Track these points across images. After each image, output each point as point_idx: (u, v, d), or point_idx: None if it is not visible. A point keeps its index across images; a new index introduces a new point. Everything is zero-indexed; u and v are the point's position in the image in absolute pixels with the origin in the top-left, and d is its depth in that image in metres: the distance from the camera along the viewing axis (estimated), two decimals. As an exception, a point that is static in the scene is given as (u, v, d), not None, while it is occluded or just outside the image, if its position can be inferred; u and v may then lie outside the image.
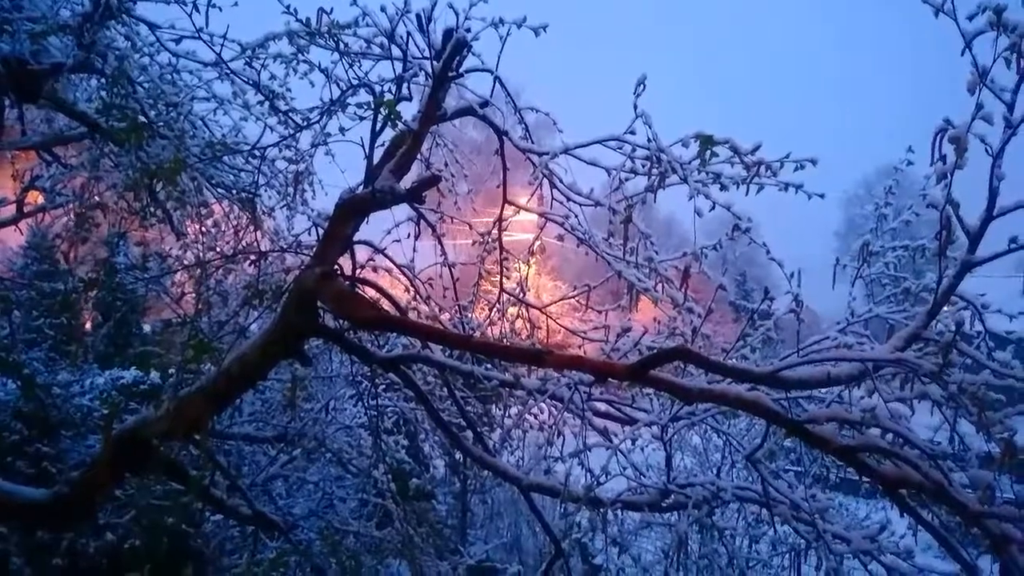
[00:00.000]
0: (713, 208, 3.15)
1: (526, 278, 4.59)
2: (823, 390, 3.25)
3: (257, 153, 4.24)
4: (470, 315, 4.71)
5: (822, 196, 3.36)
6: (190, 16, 3.82)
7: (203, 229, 4.73)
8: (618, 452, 3.42)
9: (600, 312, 4.31)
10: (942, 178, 2.34)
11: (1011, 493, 2.52)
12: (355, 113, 3.74)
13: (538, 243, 4.43)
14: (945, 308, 2.71)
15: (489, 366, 4.02)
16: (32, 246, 11.83)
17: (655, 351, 2.72)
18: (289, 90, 4.27)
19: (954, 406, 2.41)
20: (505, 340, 4.26)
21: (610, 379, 2.95)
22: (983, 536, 2.21)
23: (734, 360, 3.29)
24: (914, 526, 4.13)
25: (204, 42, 3.89)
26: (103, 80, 4.07)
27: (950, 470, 2.42)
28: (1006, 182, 2.36)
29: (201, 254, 4.16)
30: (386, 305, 3.68)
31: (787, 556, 6.66)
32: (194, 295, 3.98)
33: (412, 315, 4.22)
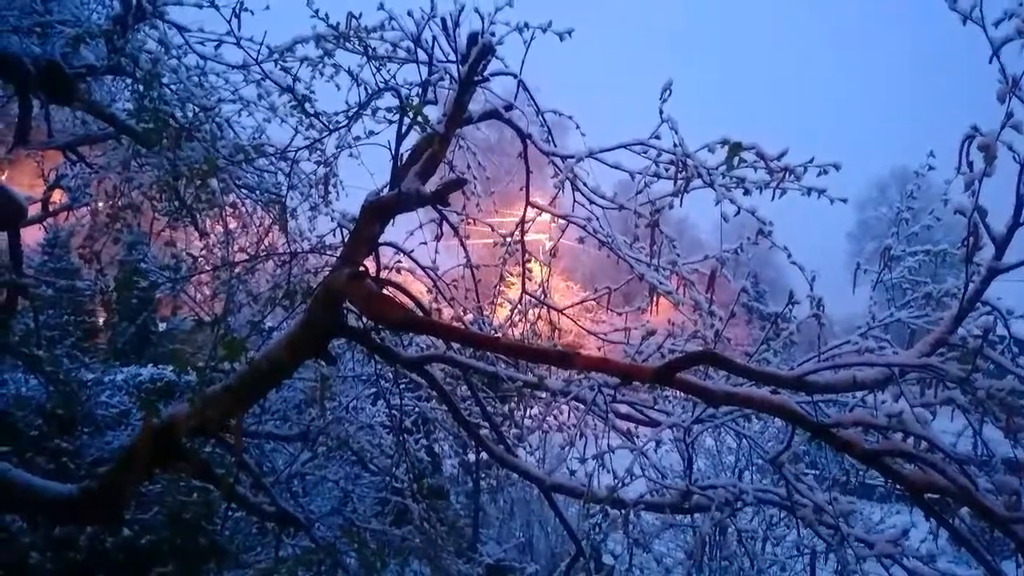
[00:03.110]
0: (738, 213, 3.17)
1: (547, 279, 4.62)
2: (844, 394, 3.28)
3: (287, 155, 4.29)
4: (490, 316, 4.76)
5: (845, 201, 3.39)
6: (228, 20, 3.87)
7: (228, 230, 4.80)
8: (642, 454, 3.45)
9: (620, 314, 4.34)
10: (970, 185, 2.35)
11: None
12: (383, 116, 3.78)
13: (554, 245, 4.47)
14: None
15: (508, 366, 4.07)
16: (52, 244, 11.98)
17: (682, 354, 2.74)
18: (314, 92, 4.32)
19: (980, 412, 2.43)
20: (526, 341, 4.30)
21: (635, 381, 2.98)
22: (1011, 541, 2.23)
23: (755, 364, 3.31)
24: (935, 531, 4.14)
25: (236, 45, 3.94)
26: (134, 82, 4.13)
27: (976, 475, 2.43)
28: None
29: (227, 255, 4.22)
30: (411, 306, 3.72)
31: (804, 559, 6.67)
32: (223, 295, 4.04)
33: (435, 316, 4.26)
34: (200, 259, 4.73)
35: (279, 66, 4.05)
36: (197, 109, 4.25)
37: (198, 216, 4.63)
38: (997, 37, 2.31)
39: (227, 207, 4.66)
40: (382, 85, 3.85)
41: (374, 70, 3.86)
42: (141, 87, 3.99)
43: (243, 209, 4.98)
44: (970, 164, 2.40)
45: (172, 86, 4.34)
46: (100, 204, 5.31)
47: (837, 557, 3.53)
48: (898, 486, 2.47)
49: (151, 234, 5.00)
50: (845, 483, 4.88)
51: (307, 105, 4.05)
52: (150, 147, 4.04)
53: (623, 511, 3.55)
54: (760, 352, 3.44)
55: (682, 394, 4.16)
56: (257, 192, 5.05)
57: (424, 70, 3.90)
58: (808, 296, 3.30)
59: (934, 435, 2.45)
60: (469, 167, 4.70)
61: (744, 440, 4.97)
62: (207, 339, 4.37)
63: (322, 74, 4.11)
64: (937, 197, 4.43)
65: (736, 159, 2.92)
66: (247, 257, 4.35)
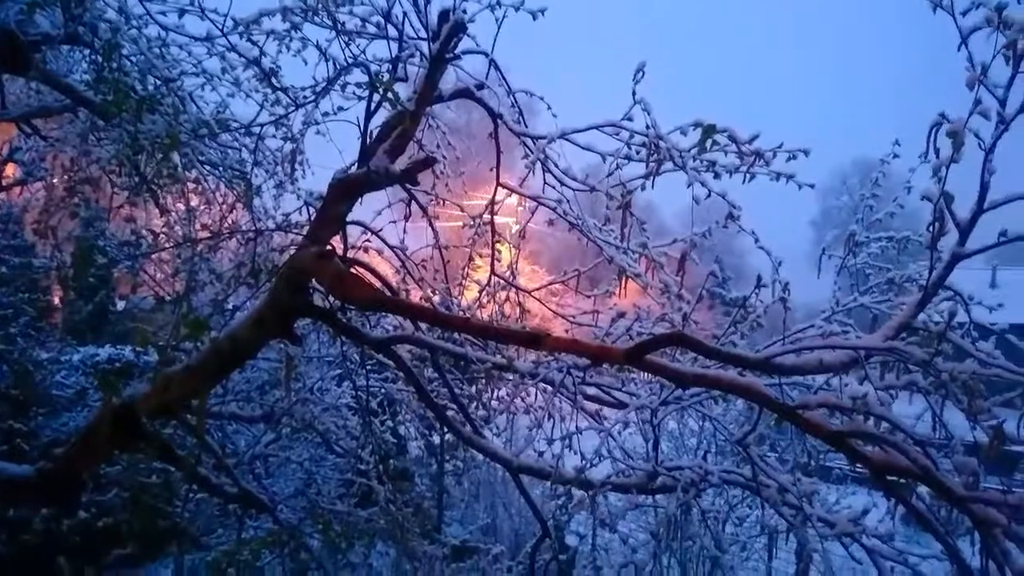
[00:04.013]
0: (709, 196, 3.18)
1: (515, 261, 4.60)
2: (808, 378, 3.33)
3: (252, 131, 4.19)
4: (459, 298, 4.73)
5: (812, 186, 3.42)
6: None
7: (190, 207, 4.69)
8: (609, 435, 3.47)
9: (589, 297, 4.36)
10: (937, 171, 2.38)
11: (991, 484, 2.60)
12: (353, 92, 3.71)
13: (522, 227, 4.46)
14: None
15: (477, 348, 4.06)
16: (5, 220, 11.60)
17: (652, 336, 2.75)
18: (280, 67, 4.22)
19: (942, 394, 2.48)
20: (496, 323, 4.28)
21: (606, 363, 2.99)
22: (969, 520, 2.28)
23: (723, 347, 3.34)
24: (892, 511, 4.24)
25: (200, 16, 3.82)
26: (93, 53, 3.98)
27: (936, 457, 2.48)
28: (993, 176, 2.42)
29: (189, 232, 4.12)
30: (379, 286, 3.67)
31: (765, 538, 6.83)
32: (184, 273, 3.95)
33: (403, 297, 4.22)
34: (161, 236, 4.61)
35: (244, 39, 3.94)
36: (158, 81, 4.12)
37: (159, 192, 4.51)
38: (966, 26, 2.34)
39: (189, 183, 4.54)
40: (351, 60, 3.77)
41: (343, 45, 3.78)
42: (100, 57, 3.85)
43: (206, 186, 4.86)
44: (937, 151, 2.43)
45: (132, 57, 4.20)
46: (56, 178, 5.15)
47: (797, 537, 3.60)
48: (861, 467, 2.51)
49: (110, 210, 4.86)
50: (806, 465, 4.98)
51: (273, 79, 3.95)
52: (109, 120, 3.91)
53: (589, 492, 3.57)
54: (727, 335, 3.47)
55: (648, 377, 4.20)
56: (221, 168, 4.93)
57: (394, 46, 3.83)
58: (775, 280, 3.33)
59: (896, 417, 2.50)
60: (439, 146, 4.65)
61: (707, 423, 5.04)
62: (168, 318, 4.28)
63: (289, 48, 4.01)
64: (898, 186, 4.52)
65: (709, 141, 2.93)
66: (210, 235, 4.25)
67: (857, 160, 40.08)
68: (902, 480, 2.54)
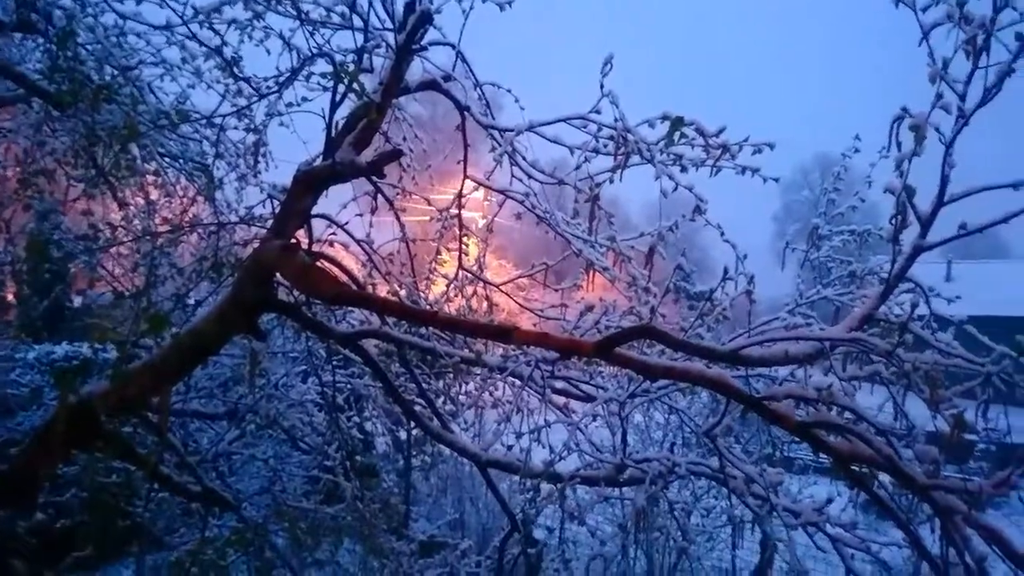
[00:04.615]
0: (676, 189, 3.19)
1: (483, 255, 4.58)
2: (773, 369, 3.37)
3: (213, 122, 4.10)
4: (426, 292, 4.69)
5: (776, 180, 3.46)
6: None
7: (149, 200, 4.58)
8: (578, 429, 3.47)
9: (557, 291, 4.36)
10: (900, 165, 2.42)
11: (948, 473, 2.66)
12: (317, 83, 3.65)
13: (490, 221, 4.43)
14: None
15: (444, 342, 4.03)
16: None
17: (621, 329, 2.75)
18: (242, 57, 4.14)
19: (904, 384, 2.52)
20: (464, 317, 4.26)
21: (574, 356, 2.98)
22: (930, 507, 2.32)
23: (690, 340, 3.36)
24: (855, 500, 4.32)
25: (159, 3, 3.73)
26: (47, 41, 3.86)
27: (898, 446, 2.53)
28: (953, 170, 2.46)
29: (149, 225, 4.02)
30: (345, 280, 3.62)
31: (730, 528, 6.91)
32: (144, 267, 3.85)
33: (369, 291, 4.17)
34: (119, 230, 4.49)
35: (205, 27, 3.85)
36: (116, 71, 4.01)
37: (117, 184, 4.40)
38: (927, 21, 2.37)
39: (149, 176, 4.43)
40: (315, 51, 3.71)
41: (307, 35, 3.71)
42: (54, 46, 3.73)
43: (166, 178, 4.75)
44: (899, 144, 2.46)
45: (88, 46, 4.08)
46: (9, 171, 4.99)
47: (762, 527, 3.65)
48: (826, 457, 2.54)
49: (65, 203, 4.73)
50: (770, 456, 5.05)
51: (235, 69, 3.87)
52: (64, 110, 3.80)
53: (558, 485, 3.58)
54: (694, 328, 3.49)
55: (615, 370, 4.22)
56: (181, 161, 4.83)
57: (359, 37, 3.77)
58: (740, 273, 3.36)
59: (860, 407, 2.54)
60: (405, 139, 4.60)
61: (674, 415, 5.08)
62: (127, 314, 4.17)
63: (251, 38, 3.93)
64: (859, 181, 4.60)
65: (677, 134, 2.93)
66: (170, 228, 4.15)
67: (818, 155, 40.80)
68: (866, 469, 2.58)
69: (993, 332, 2.71)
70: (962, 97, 2.33)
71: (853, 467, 2.57)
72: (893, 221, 2.57)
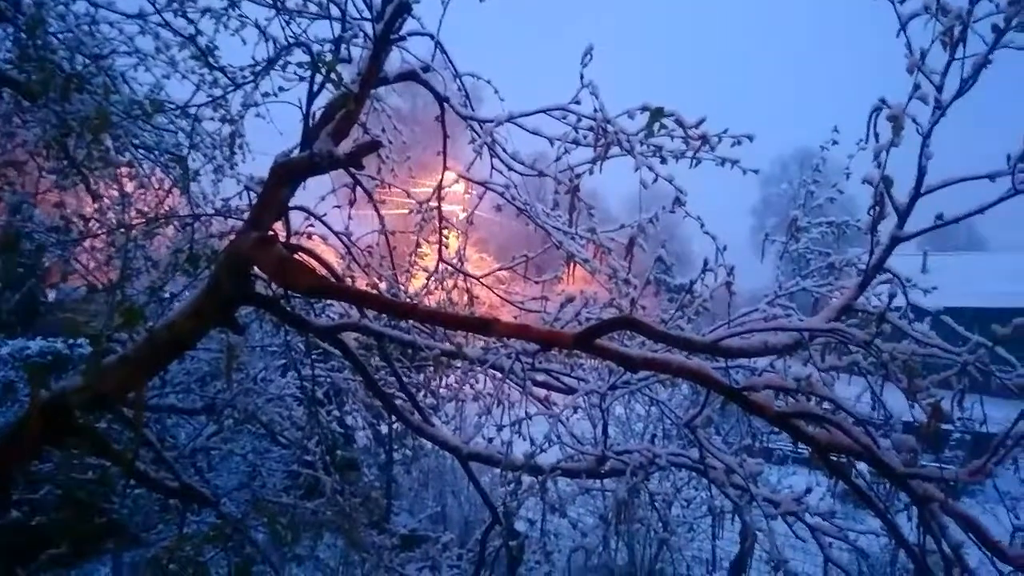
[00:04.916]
0: (656, 180, 3.19)
1: (463, 248, 4.56)
2: (752, 360, 3.39)
3: (188, 111, 4.03)
4: (405, 285, 4.66)
5: (756, 171, 3.46)
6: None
7: (123, 191, 4.50)
8: (559, 421, 3.46)
9: (537, 283, 4.34)
10: (878, 155, 2.43)
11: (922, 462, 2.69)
12: (294, 73, 3.60)
13: (470, 213, 4.41)
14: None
15: (424, 335, 4.01)
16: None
17: (601, 320, 2.75)
18: (218, 47, 4.08)
19: (883, 374, 2.54)
20: (444, 309, 4.24)
21: (555, 348, 2.98)
22: (907, 496, 2.35)
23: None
24: (833, 489, 4.35)
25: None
26: (16, 29, 3.78)
27: (876, 435, 2.54)
28: (930, 161, 2.47)
29: (123, 217, 3.95)
30: (323, 273, 3.58)
31: (710, 519, 6.94)
32: (118, 260, 3.79)
33: (349, 283, 4.13)
34: (92, 222, 4.41)
35: (179, 16, 3.79)
36: (87, 60, 3.94)
37: (90, 176, 4.32)
38: (905, 13, 2.38)
39: (122, 167, 4.35)
40: (292, 40, 3.66)
41: (283, 24, 3.66)
42: (24, 34, 3.65)
43: (141, 170, 4.67)
44: (876, 135, 2.47)
45: (59, 35, 4.00)
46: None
47: (742, 517, 3.67)
48: (806, 446, 2.55)
49: (36, 195, 4.64)
50: (749, 446, 5.08)
51: (210, 58, 3.81)
52: (35, 100, 3.71)
53: (539, 477, 3.57)
54: (674, 319, 3.50)
55: (596, 362, 4.22)
56: (156, 152, 4.75)
57: (337, 27, 3.73)
58: (720, 265, 3.36)
59: (839, 397, 2.55)
60: (384, 131, 4.56)
61: (654, 407, 5.10)
62: (101, 308, 4.10)
63: (227, 27, 3.87)
64: (836, 174, 4.63)
65: (657, 125, 2.93)
66: (145, 220, 4.08)
67: (797, 149, 41.03)
68: (844, 459, 2.60)
69: (968, 324, 2.74)
70: (939, 88, 2.34)
71: (832, 456, 2.59)
72: (871, 212, 2.59)
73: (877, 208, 2.55)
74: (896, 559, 6.77)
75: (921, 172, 2.48)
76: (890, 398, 2.94)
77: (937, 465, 2.46)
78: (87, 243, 4.77)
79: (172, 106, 4.22)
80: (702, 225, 3.51)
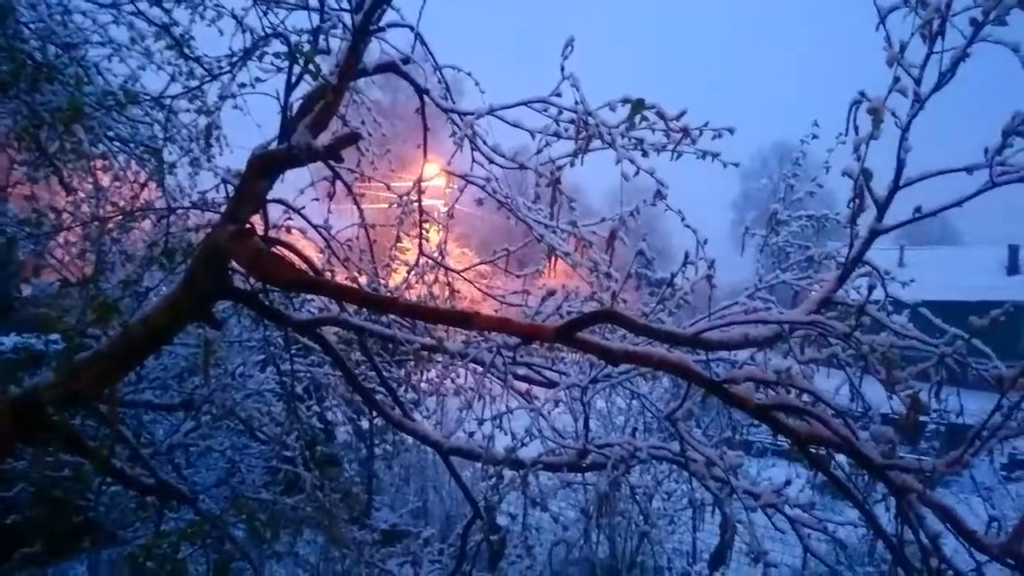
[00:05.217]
0: (637, 173, 3.18)
1: (444, 242, 4.53)
2: (732, 353, 3.39)
3: (163, 102, 3.97)
4: (386, 279, 4.63)
5: (737, 165, 3.47)
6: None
7: (98, 184, 4.43)
8: (540, 415, 3.46)
9: (519, 277, 4.33)
10: (858, 148, 2.43)
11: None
12: (271, 63, 3.55)
13: (451, 207, 4.38)
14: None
15: (405, 329, 3.98)
16: None
17: (582, 313, 2.74)
18: (193, 37, 4.02)
19: (862, 366, 2.55)
20: (424, 303, 4.21)
21: (536, 341, 2.96)
22: (886, 487, 2.36)
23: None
24: (812, 481, 4.38)
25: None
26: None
27: (855, 427, 2.56)
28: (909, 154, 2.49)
29: (98, 210, 3.88)
30: (302, 267, 3.54)
31: (691, 511, 6.98)
32: (92, 254, 3.72)
33: (328, 277, 4.09)
34: (65, 215, 4.33)
35: (153, 5, 3.72)
36: (59, 50, 3.86)
37: (63, 168, 4.24)
38: (884, 5, 2.39)
39: (96, 159, 4.28)
40: (269, 31, 3.61)
41: (260, 14, 3.62)
42: (-6, 21, 3.57)
43: (115, 162, 4.59)
44: (856, 128, 2.48)
45: (30, 24, 3.92)
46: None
47: (722, 509, 3.69)
48: (785, 438, 2.56)
49: (8, 187, 4.55)
50: (730, 439, 5.10)
51: (185, 48, 3.75)
52: (5, 90, 3.64)
53: (521, 472, 3.56)
54: (655, 313, 3.50)
55: (577, 355, 4.21)
56: (131, 145, 4.67)
57: (315, 17, 3.68)
58: (701, 258, 3.37)
59: (818, 389, 2.57)
60: (364, 123, 4.52)
61: (636, 400, 5.11)
62: (75, 303, 4.04)
63: (203, 17, 3.82)
64: (816, 168, 4.66)
65: (638, 117, 2.92)
66: (120, 213, 4.01)
67: (777, 144, 41.35)
68: (823, 450, 2.62)
69: (944, 317, 2.76)
70: (918, 81, 2.35)
71: (811, 448, 2.60)
72: (851, 204, 2.59)
73: (857, 201, 2.56)
74: (874, 549, 6.83)
75: (900, 165, 2.48)
76: (869, 390, 2.96)
77: (915, 456, 2.47)
78: (61, 237, 4.69)
79: (147, 97, 4.15)
80: (683, 218, 3.51)
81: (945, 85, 2.28)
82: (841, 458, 2.67)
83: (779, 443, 8.64)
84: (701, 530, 8.40)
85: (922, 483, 2.32)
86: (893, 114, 2.39)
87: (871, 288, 2.45)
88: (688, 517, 8.12)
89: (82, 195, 4.59)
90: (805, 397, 2.60)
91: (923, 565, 2.34)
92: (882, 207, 2.57)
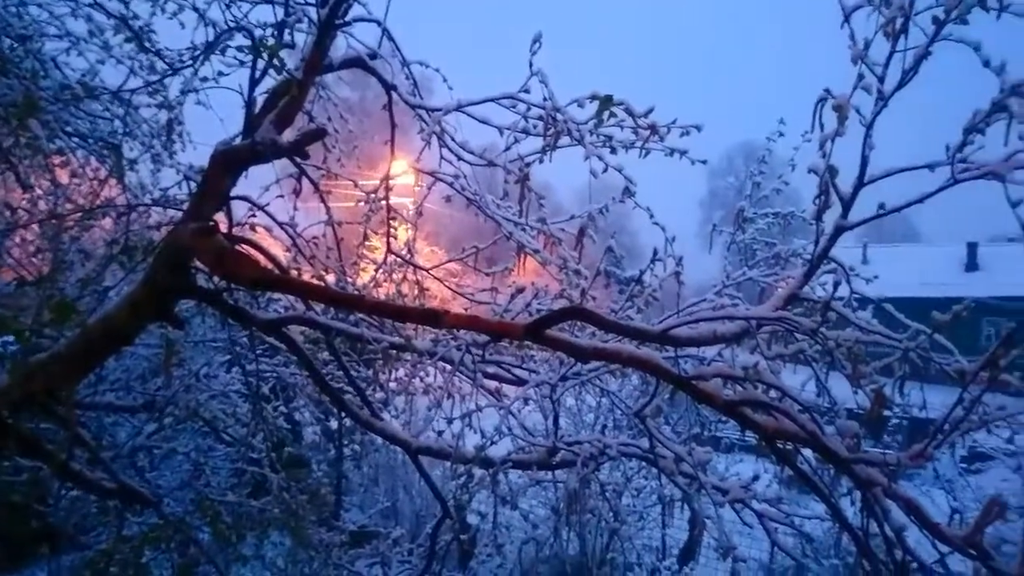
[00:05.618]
0: (606, 170, 3.18)
1: (413, 240, 4.49)
2: (701, 350, 3.41)
3: (122, 97, 3.87)
4: (353, 277, 4.57)
5: (704, 162, 3.48)
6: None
7: (55, 181, 4.31)
8: (510, 413, 3.44)
9: (488, 275, 4.31)
10: (823, 145, 2.45)
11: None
12: (235, 58, 3.48)
13: (419, 204, 4.34)
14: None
15: (373, 328, 3.93)
16: None
17: (551, 311, 2.73)
18: (154, 31, 3.93)
19: (828, 362, 2.57)
20: (392, 301, 4.17)
21: (506, 339, 2.95)
22: (851, 480, 2.38)
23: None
24: (780, 476, 4.43)
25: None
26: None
27: (821, 422, 2.58)
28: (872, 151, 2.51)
29: (56, 208, 3.77)
30: (268, 265, 3.48)
31: (660, 508, 7.03)
32: (50, 253, 3.62)
33: (295, 276, 4.03)
34: (21, 212, 4.22)
35: (115, -3, 3.63)
36: (14, 43, 3.75)
37: (19, 164, 4.12)
38: (849, 4, 2.41)
39: (54, 155, 4.16)
40: (232, 24, 3.54)
41: (223, 8, 3.54)
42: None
43: (74, 158, 4.47)
44: (822, 125, 2.50)
45: (-17, 16, 3.81)
46: None
47: (691, 505, 3.71)
48: (753, 434, 2.58)
49: (-40, 184, 4.42)
50: (698, 435, 5.14)
51: (145, 42, 3.66)
52: (-44, 84, 3.53)
53: (490, 470, 3.54)
54: (624, 310, 3.50)
55: (548, 354, 4.20)
56: (90, 140, 4.56)
57: (280, 11, 3.62)
58: (669, 256, 3.38)
59: (785, 385, 2.58)
60: (330, 119, 4.46)
61: (605, 397, 5.12)
62: (33, 302, 3.93)
63: (164, 10, 3.73)
64: (782, 166, 4.71)
65: (606, 113, 2.91)
66: (79, 210, 3.91)
67: (743, 143, 41.90)
68: (790, 445, 2.64)
69: (907, 313, 2.80)
70: (881, 79, 2.37)
71: (778, 443, 2.62)
72: (816, 201, 2.62)
73: (822, 197, 2.58)
74: (840, 542, 6.95)
75: (864, 162, 2.51)
76: (835, 385, 3.00)
77: (879, 450, 2.50)
78: (17, 235, 4.56)
79: (106, 91, 4.05)
80: (651, 215, 3.51)
81: (908, 83, 2.31)
82: (808, 453, 2.70)
83: (747, 439, 8.74)
84: (670, 526, 8.47)
85: (887, 476, 2.34)
86: (858, 111, 2.42)
87: (836, 284, 2.47)
88: (657, 513, 8.18)
89: (39, 192, 4.47)
90: (772, 393, 2.61)
91: (888, 557, 2.37)
92: (847, 204, 2.59)
